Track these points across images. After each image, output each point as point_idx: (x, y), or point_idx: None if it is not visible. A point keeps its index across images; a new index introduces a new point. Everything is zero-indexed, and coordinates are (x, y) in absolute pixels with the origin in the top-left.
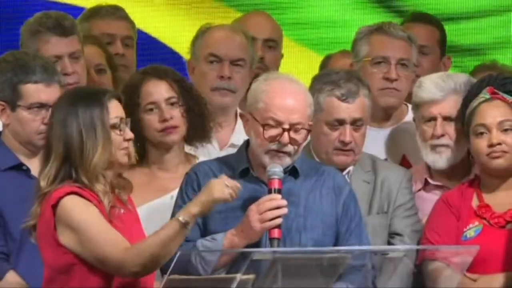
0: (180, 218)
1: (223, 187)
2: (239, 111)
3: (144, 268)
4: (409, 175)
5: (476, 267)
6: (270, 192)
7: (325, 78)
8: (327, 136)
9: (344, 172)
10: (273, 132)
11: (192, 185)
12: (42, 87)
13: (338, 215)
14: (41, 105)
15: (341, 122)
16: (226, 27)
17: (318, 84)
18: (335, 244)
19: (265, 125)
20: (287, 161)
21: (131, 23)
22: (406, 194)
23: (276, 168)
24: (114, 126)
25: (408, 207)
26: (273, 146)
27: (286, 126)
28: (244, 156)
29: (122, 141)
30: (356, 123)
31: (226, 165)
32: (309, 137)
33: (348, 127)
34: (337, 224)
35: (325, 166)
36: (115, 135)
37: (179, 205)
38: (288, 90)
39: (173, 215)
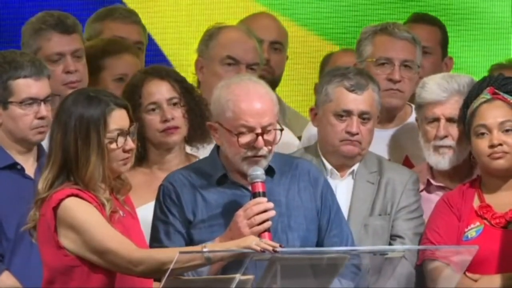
0: (205, 250)
1: (258, 241)
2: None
3: (150, 272)
4: (415, 177)
5: (477, 267)
6: (255, 196)
7: (334, 72)
8: (334, 127)
9: (349, 172)
10: (247, 138)
11: (170, 196)
12: (32, 82)
13: (318, 207)
14: (33, 100)
15: (349, 113)
16: (240, 29)
17: (327, 76)
18: (318, 236)
19: (238, 134)
20: (264, 163)
21: (143, 28)
22: (411, 196)
23: (258, 171)
24: (111, 139)
25: (411, 209)
26: (249, 153)
27: (259, 131)
28: (218, 162)
29: (121, 153)
30: (363, 116)
31: (200, 173)
32: (313, 139)
33: (355, 119)
34: (318, 216)
35: (297, 159)
36: (112, 148)
37: (159, 218)
38: (253, 93)
39: (153, 228)
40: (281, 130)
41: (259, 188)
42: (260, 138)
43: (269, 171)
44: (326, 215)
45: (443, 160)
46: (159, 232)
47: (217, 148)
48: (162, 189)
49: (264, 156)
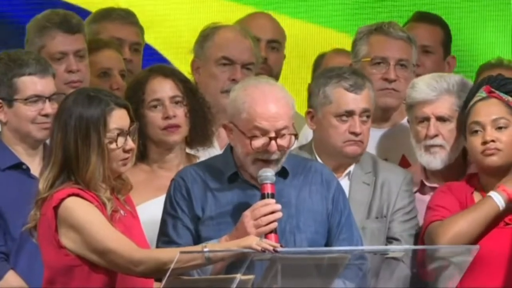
0: (206, 250)
1: (259, 241)
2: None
3: (150, 272)
4: (409, 177)
5: (477, 265)
6: (263, 197)
7: (329, 73)
8: (336, 128)
9: (345, 173)
10: (260, 142)
11: (181, 191)
12: (37, 79)
13: (328, 211)
14: (38, 97)
15: (350, 113)
16: (235, 29)
17: (323, 78)
18: (327, 239)
19: (251, 137)
20: (275, 168)
21: (141, 28)
22: (406, 198)
23: (268, 173)
24: (111, 139)
25: (407, 211)
26: (260, 155)
27: (272, 134)
28: (231, 160)
29: (121, 153)
30: (364, 114)
31: (213, 170)
32: (309, 138)
33: (357, 119)
34: (328, 219)
35: (311, 161)
36: (112, 148)
37: (169, 212)
38: (269, 96)
39: (162, 222)
40: (295, 135)
41: (268, 189)
42: (273, 142)
43: (282, 172)
44: (337, 218)
45: (434, 160)
46: (167, 226)
47: (230, 146)
48: (173, 183)
49: (275, 161)
